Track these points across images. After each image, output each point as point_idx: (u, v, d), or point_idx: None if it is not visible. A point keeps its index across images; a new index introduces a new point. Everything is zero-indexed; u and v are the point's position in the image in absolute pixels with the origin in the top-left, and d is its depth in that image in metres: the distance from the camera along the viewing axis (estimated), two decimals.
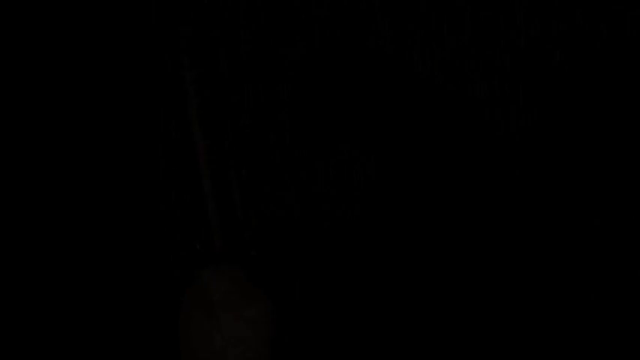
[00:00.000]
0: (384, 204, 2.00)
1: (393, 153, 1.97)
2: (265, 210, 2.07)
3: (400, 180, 1.98)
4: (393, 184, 1.98)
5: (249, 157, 2.07)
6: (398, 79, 1.95)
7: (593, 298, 1.95)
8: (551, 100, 1.94)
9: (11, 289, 2.59)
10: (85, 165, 2.54)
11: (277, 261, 2.05)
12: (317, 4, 1.97)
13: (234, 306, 1.91)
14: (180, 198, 2.20)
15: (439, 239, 1.97)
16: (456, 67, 1.94)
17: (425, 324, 2.00)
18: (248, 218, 2.07)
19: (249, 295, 1.92)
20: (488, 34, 1.93)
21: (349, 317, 2.01)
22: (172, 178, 2.30)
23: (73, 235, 2.61)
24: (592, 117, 1.94)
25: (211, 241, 2.04)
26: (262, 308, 1.91)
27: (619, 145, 1.93)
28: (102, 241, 2.60)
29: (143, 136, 2.41)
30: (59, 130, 2.44)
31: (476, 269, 1.98)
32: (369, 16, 1.94)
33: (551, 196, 1.95)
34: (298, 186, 2.04)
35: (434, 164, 1.96)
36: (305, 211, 2.04)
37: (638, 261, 1.93)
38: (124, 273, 2.61)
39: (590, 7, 1.89)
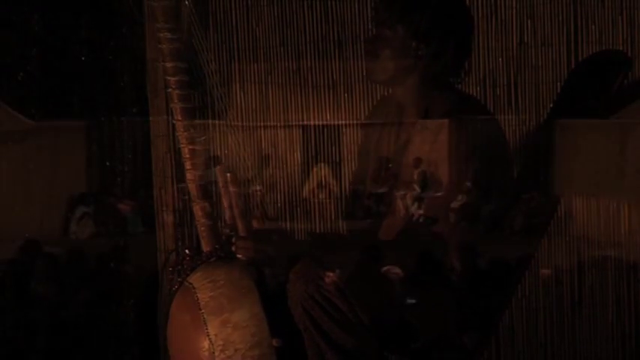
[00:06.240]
0: None
1: None
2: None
3: None
4: None
5: None
6: None
7: None
8: None
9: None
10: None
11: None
12: None
13: (222, 310, 1.90)
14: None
15: None
16: None
17: None
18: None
19: (236, 300, 1.91)
20: None
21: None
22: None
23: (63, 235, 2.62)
24: None
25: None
26: (250, 312, 1.90)
27: None
28: (91, 243, 2.61)
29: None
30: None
31: None
32: None
33: None
34: None
35: None
36: None
37: None
38: (112, 277, 2.61)
39: None
